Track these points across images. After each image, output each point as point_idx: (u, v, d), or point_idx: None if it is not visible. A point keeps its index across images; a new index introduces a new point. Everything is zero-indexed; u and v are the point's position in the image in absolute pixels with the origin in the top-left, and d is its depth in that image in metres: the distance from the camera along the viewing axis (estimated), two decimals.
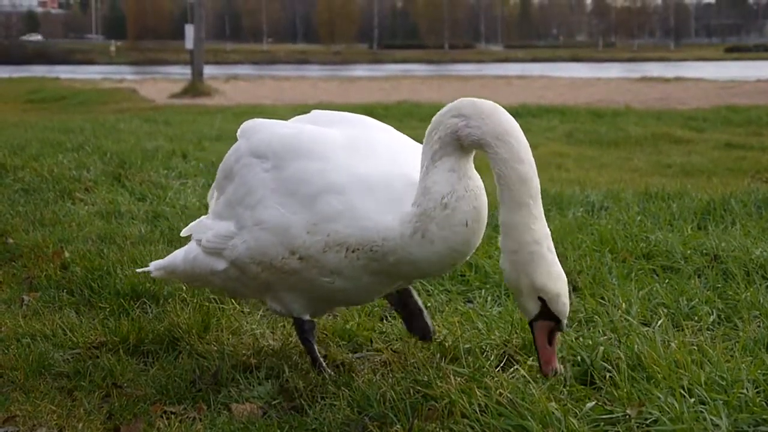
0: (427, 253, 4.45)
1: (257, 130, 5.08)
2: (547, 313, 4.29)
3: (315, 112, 5.19)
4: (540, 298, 4.26)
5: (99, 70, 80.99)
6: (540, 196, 4.24)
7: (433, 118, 4.39)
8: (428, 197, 4.36)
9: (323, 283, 4.71)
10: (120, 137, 16.76)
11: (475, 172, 4.47)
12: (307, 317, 5.01)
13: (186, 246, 5.43)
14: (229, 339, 5.68)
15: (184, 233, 5.52)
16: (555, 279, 4.23)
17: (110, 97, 38.07)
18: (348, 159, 4.66)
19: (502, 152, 4.19)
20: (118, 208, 9.64)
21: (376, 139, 4.85)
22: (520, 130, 4.27)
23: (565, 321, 4.31)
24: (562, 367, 4.43)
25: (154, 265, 5.67)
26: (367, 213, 4.51)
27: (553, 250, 4.26)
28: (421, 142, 4.56)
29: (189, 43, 42.97)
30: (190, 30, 42.90)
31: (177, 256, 5.44)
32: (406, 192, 4.52)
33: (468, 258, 4.64)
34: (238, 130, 5.24)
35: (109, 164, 12.67)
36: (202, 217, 5.48)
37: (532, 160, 4.23)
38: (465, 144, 4.31)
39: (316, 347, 5.12)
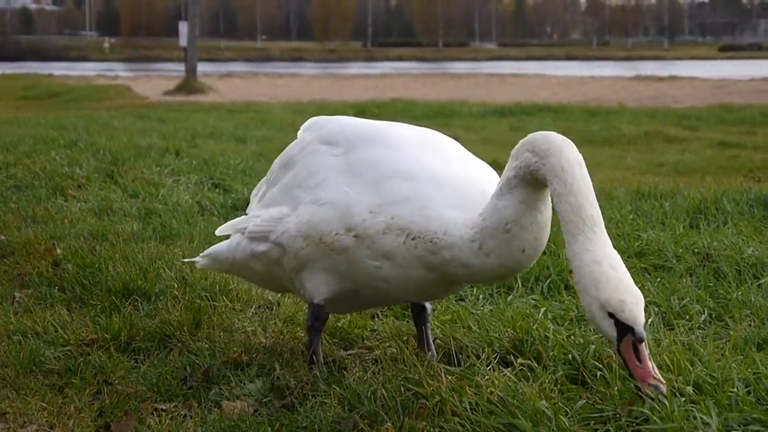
0: (480, 263, 4.50)
1: (327, 122, 5.19)
2: (621, 328, 4.12)
3: (383, 122, 5.25)
4: (610, 315, 4.12)
5: (93, 66, 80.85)
6: (599, 224, 4.18)
7: (518, 144, 4.43)
8: (494, 217, 4.41)
9: (369, 267, 4.72)
10: (113, 134, 16.74)
11: (549, 204, 4.48)
12: (324, 309, 5.03)
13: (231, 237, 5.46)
14: (220, 336, 5.67)
15: (220, 232, 5.52)
16: (617, 288, 4.09)
17: (104, 93, 38.02)
18: (419, 154, 4.77)
19: (558, 188, 4.21)
20: (111, 205, 9.65)
21: (448, 146, 4.95)
22: (582, 165, 4.27)
23: (638, 328, 4.09)
24: (662, 381, 4.16)
25: (201, 255, 5.71)
26: (435, 203, 4.57)
27: (619, 267, 4.15)
28: None
29: (183, 40, 42.96)
30: (184, 27, 42.88)
31: (222, 244, 5.50)
32: (475, 197, 4.58)
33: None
34: (303, 126, 5.32)
35: (102, 161, 12.67)
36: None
37: (589, 192, 4.21)
38: (538, 178, 4.34)
39: (320, 342, 5.13)
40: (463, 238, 4.48)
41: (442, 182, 4.63)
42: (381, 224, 4.62)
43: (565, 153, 4.26)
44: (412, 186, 4.62)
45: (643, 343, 4.11)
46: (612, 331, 4.14)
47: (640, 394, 4.13)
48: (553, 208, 4.42)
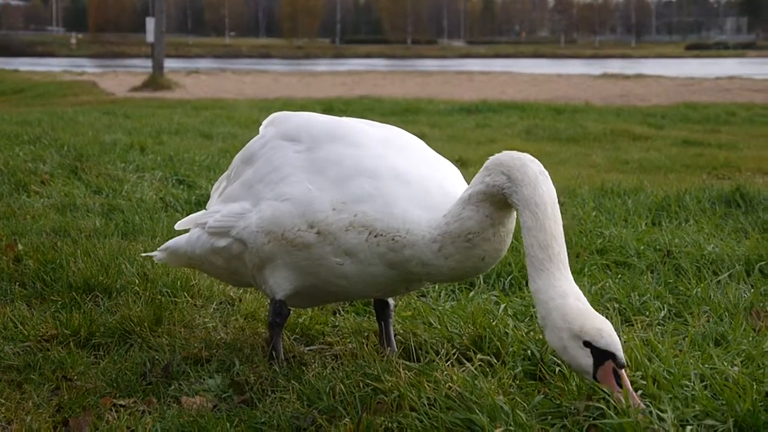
0: (440, 264, 4.53)
1: (289, 118, 5.19)
2: (599, 355, 4.11)
3: (347, 118, 5.23)
4: (586, 344, 4.11)
5: (59, 62, 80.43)
6: (564, 262, 4.20)
7: (494, 158, 4.42)
8: (457, 224, 4.42)
9: (331, 263, 4.73)
10: (78, 130, 16.67)
11: (513, 217, 4.50)
12: (286, 305, 5.03)
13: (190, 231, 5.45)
14: (181, 332, 5.65)
15: (180, 226, 5.51)
16: (589, 318, 4.11)
17: (70, 89, 37.83)
18: (384, 152, 4.77)
19: (528, 221, 4.22)
20: (74, 201, 9.61)
21: (413, 145, 4.96)
22: (555, 202, 4.28)
23: (619, 354, 4.09)
24: (646, 406, 4.10)
25: (159, 249, 5.71)
26: (398, 201, 4.59)
27: (585, 301, 4.17)
28: None
29: (150, 37, 42.78)
30: (151, 23, 42.70)
31: (181, 238, 5.49)
32: (438, 197, 4.60)
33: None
34: (264, 122, 5.33)
35: (66, 157, 12.62)
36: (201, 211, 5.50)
37: (557, 230, 4.22)
38: (508, 202, 4.35)
39: (280, 339, 5.13)
40: (425, 239, 4.50)
41: (405, 181, 4.64)
42: (344, 221, 4.62)
43: (541, 187, 4.26)
44: (376, 184, 4.63)
45: (625, 369, 4.13)
46: (588, 360, 4.13)
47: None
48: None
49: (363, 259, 4.65)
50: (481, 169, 4.43)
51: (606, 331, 4.09)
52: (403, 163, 4.71)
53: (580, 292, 4.20)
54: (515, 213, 4.45)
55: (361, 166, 4.69)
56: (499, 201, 4.36)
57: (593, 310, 4.16)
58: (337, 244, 4.66)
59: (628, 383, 4.12)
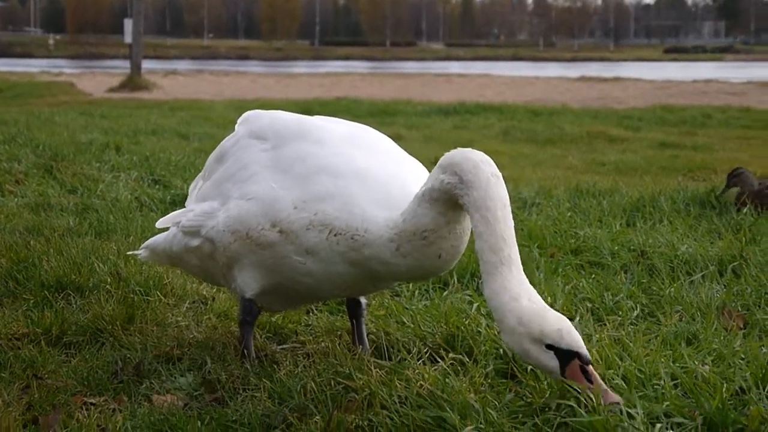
0: (398, 263, 4.52)
1: (258, 116, 5.20)
2: (563, 355, 4.11)
3: (318, 117, 5.22)
4: (548, 346, 4.11)
5: (37, 63, 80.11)
6: (516, 264, 4.18)
7: (448, 156, 4.39)
8: (413, 221, 4.41)
9: (294, 263, 4.72)
10: (54, 130, 16.63)
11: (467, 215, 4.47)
12: (256, 304, 5.03)
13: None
14: (153, 331, 5.63)
15: (160, 224, 5.50)
16: (548, 319, 4.09)
17: (47, 90, 37.69)
18: (347, 150, 4.76)
19: (479, 225, 4.20)
20: (48, 201, 9.58)
21: (378, 142, 4.94)
22: (506, 204, 4.25)
23: (583, 351, 4.09)
24: (618, 400, 4.09)
25: (141, 247, 5.72)
26: (359, 200, 4.57)
27: (538, 301, 4.15)
28: None
29: (128, 37, 42.72)
30: (129, 24, 42.64)
31: (160, 237, 5.50)
32: (399, 197, 4.57)
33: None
34: (239, 120, 5.32)
35: (42, 156, 12.57)
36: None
37: (508, 232, 4.20)
38: (460, 203, 4.33)
39: (252, 337, 5.13)
40: (383, 237, 4.49)
41: (367, 179, 4.63)
42: (304, 220, 4.62)
43: (492, 190, 4.23)
44: (337, 182, 4.62)
45: (591, 364, 4.13)
46: (553, 361, 4.13)
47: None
48: None
49: (324, 258, 4.65)
50: (436, 166, 4.41)
51: (565, 330, 4.08)
52: (366, 162, 4.70)
53: (533, 291, 4.18)
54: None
55: (323, 164, 4.69)
56: (451, 199, 4.34)
57: (547, 307, 4.16)
58: (299, 243, 4.66)
59: (598, 378, 4.12)
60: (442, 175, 4.34)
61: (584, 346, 4.11)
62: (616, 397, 4.08)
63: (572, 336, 4.09)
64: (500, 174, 4.31)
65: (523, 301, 4.11)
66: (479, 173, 4.25)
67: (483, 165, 4.28)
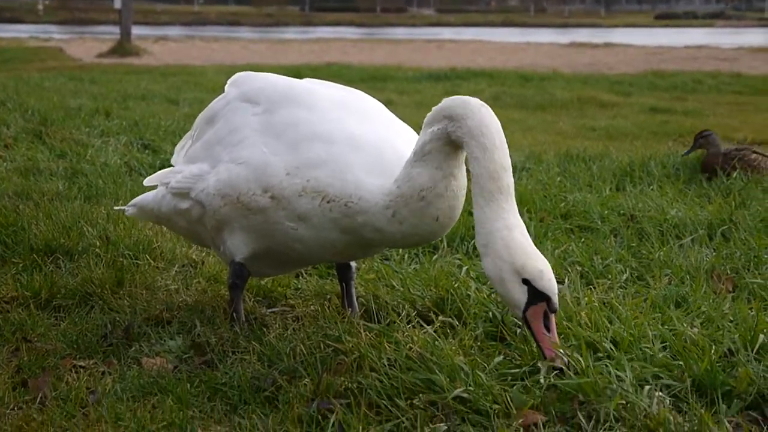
0: (394, 230, 4.51)
1: (251, 79, 5.17)
2: (535, 295, 4.16)
3: (309, 80, 5.19)
4: (525, 281, 4.16)
5: (26, 28, 79.47)
6: (511, 194, 4.21)
7: (433, 110, 4.41)
8: (409, 184, 4.40)
9: (286, 228, 4.71)
10: (43, 95, 16.55)
11: (464, 171, 4.49)
12: (245, 267, 5.02)
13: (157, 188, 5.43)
14: (142, 294, 5.63)
15: (148, 182, 5.50)
16: (534, 257, 4.15)
17: (36, 55, 37.44)
18: (340, 116, 4.74)
19: (476, 151, 4.21)
20: (37, 165, 9.55)
21: (370, 107, 4.92)
22: (500, 130, 4.27)
23: (555, 298, 4.17)
24: (565, 353, 4.21)
25: (129, 204, 5.70)
26: (351, 168, 4.56)
27: (528, 238, 4.19)
28: None
29: (117, 3, 42.42)
30: None
31: (148, 195, 5.48)
32: (393, 163, 4.56)
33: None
34: (229, 81, 5.30)
35: (31, 121, 12.52)
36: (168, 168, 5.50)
37: (506, 161, 4.22)
38: (455, 142, 4.33)
39: (241, 300, 5.13)
40: (378, 205, 4.49)
41: (360, 146, 4.61)
42: (297, 186, 4.60)
43: (485, 116, 4.26)
44: (330, 149, 4.60)
45: (554, 314, 4.17)
46: (522, 297, 4.18)
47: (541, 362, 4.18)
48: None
49: (317, 224, 4.64)
50: (423, 126, 4.42)
51: (546, 274, 4.15)
52: (359, 128, 4.69)
53: (523, 225, 4.22)
54: (464, 166, 4.45)
55: (316, 130, 4.67)
56: (445, 147, 4.35)
57: (536, 248, 4.20)
58: (291, 209, 4.64)
59: (555, 327, 4.21)
60: (432, 126, 4.36)
61: (557, 295, 4.18)
62: (561, 353, 4.17)
63: (551, 282, 4.16)
64: (489, 107, 4.33)
65: (516, 233, 4.16)
66: (469, 105, 4.30)
67: (471, 100, 4.33)
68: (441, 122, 4.33)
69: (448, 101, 4.37)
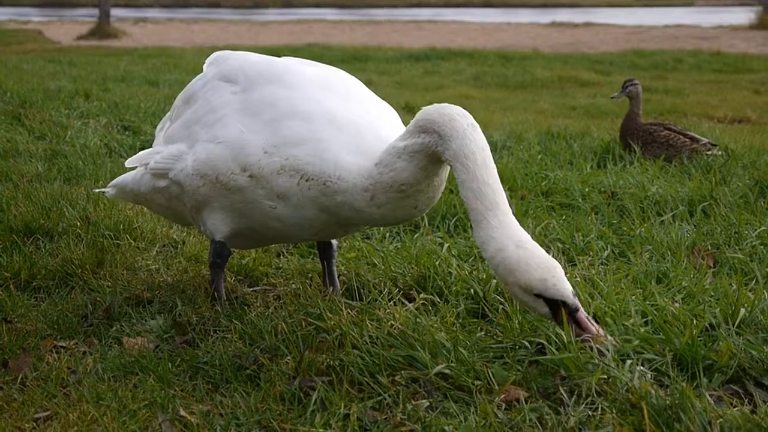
0: (371, 212, 4.50)
1: (229, 58, 5.15)
2: (552, 303, 4.10)
3: (289, 58, 5.15)
4: (537, 295, 4.08)
5: (4, 11, 79.11)
6: (501, 208, 4.13)
7: (424, 114, 4.37)
8: (389, 174, 4.39)
9: (265, 207, 4.69)
10: (22, 77, 16.47)
11: (447, 168, 4.47)
12: (226, 246, 5.00)
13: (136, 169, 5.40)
14: (123, 274, 5.61)
15: (129, 163, 5.44)
16: (534, 269, 4.06)
17: (14, 38, 37.25)
18: (320, 94, 4.70)
19: (461, 174, 4.19)
20: (16, 147, 9.50)
21: (351, 87, 4.88)
22: (485, 149, 4.23)
23: (569, 300, 4.06)
24: (611, 338, 4.12)
25: (109, 185, 5.68)
26: (331, 146, 4.53)
27: (527, 244, 4.10)
28: None
29: None
30: None
31: (128, 175, 5.46)
32: (373, 143, 4.54)
33: None
34: (207, 60, 5.30)
35: (9, 103, 12.47)
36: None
37: (490, 177, 4.18)
38: (441, 159, 4.31)
39: (222, 279, 5.11)
40: (357, 186, 4.46)
41: (340, 125, 4.58)
42: (275, 165, 4.58)
43: (468, 139, 4.22)
44: (310, 127, 4.57)
45: (580, 311, 4.11)
46: (545, 309, 4.12)
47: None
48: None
49: (296, 203, 4.62)
50: (413, 122, 4.38)
51: (550, 280, 4.05)
52: (339, 107, 4.66)
53: (522, 233, 4.14)
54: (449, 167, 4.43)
55: (296, 108, 4.64)
56: (432, 155, 4.33)
57: (538, 250, 4.11)
58: (270, 188, 4.62)
59: (588, 324, 4.11)
60: (422, 134, 4.32)
61: (571, 294, 4.08)
62: (605, 335, 4.10)
63: (557, 285, 4.06)
64: (477, 124, 4.29)
65: (510, 250, 4.08)
66: (455, 125, 4.24)
67: (459, 117, 4.27)
68: (431, 135, 4.29)
69: (436, 114, 4.31)
